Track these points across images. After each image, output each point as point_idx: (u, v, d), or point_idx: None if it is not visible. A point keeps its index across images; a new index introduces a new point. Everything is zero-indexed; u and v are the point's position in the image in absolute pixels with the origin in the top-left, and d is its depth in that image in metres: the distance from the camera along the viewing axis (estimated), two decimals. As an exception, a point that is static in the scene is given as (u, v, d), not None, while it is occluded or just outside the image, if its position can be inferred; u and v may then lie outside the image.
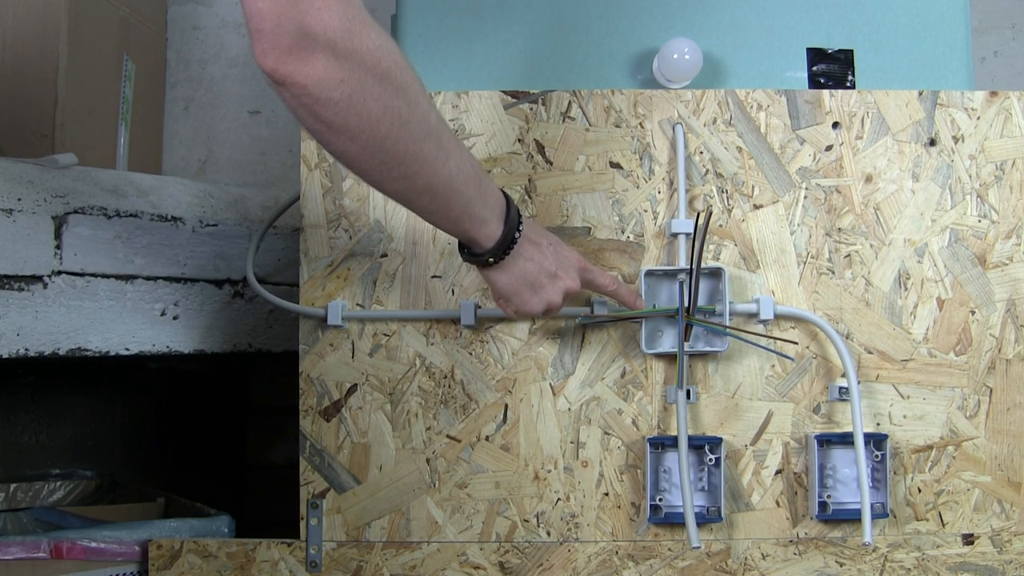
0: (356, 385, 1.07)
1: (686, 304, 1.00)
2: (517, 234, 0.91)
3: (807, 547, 1.04)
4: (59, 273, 1.11)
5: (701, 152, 1.07)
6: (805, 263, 1.06)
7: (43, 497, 1.36)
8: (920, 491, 1.05)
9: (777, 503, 1.05)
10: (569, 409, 1.06)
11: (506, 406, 1.06)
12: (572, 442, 1.05)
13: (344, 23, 0.71)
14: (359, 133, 0.76)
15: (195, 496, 1.28)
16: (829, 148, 1.07)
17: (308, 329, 1.07)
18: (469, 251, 0.92)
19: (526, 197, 1.07)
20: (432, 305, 1.07)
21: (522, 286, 0.94)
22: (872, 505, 1.01)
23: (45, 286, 1.09)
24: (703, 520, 1.03)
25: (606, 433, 1.05)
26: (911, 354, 1.05)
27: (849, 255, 1.06)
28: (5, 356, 1.05)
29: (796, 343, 1.05)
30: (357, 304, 1.07)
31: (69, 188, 1.13)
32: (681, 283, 1.02)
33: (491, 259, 0.91)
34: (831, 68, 1.12)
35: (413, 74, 0.79)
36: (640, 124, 1.07)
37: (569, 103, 1.07)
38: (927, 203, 1.06)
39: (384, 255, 1.08)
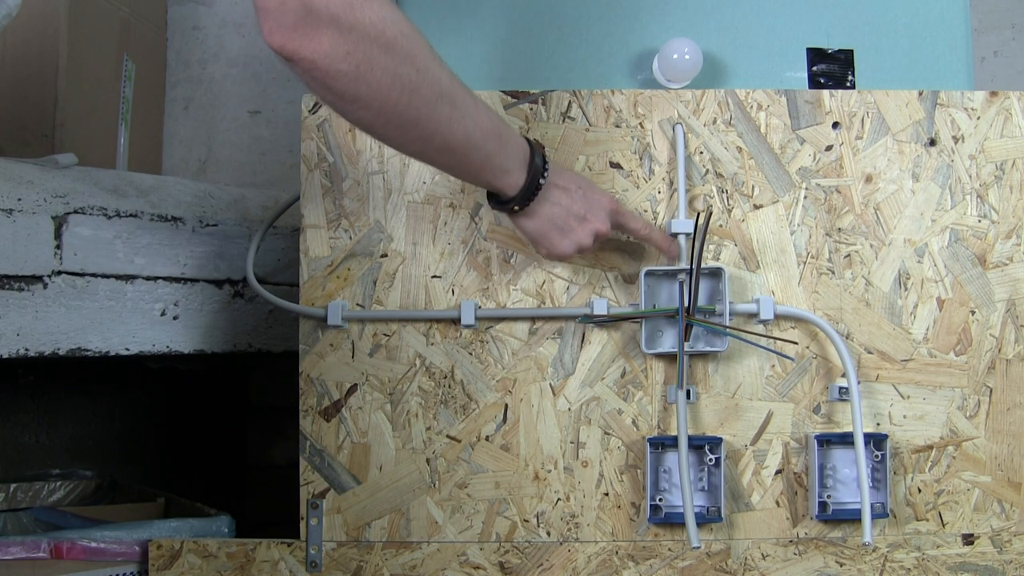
0: (356, 385, 1.07)
1: (686, 304, 1.00)
2: (542, 180, 0.93)
3: (807, 547, 1.04)
4: (59, 273, 1.10)
5: (701, 152, 1.07)
6: (805, 263, 1.06)
7: (43, 497, 1.36)
8: (920, 491, 1.05)
9: (777, 503, 1.05)
10: (569, 409, 1.06)
11: (506, 406, 1.06)
12: (572, 442, 1.05)
13: None
14: (371, 101, 0.78)
15: (195, 496, 1.28)
16: (829, 148, 1.07)
17: (308, 329, 1.07)
18: (496, 199, 0.96)
19: (526, 197, 1.07)
20: (432, 305, 1.07)
21: (550, 230, 0.97)
22: (872, 505, 1.01)
23: (45, 286, 1.09)
24: (703, 520, 1.03)
25: (606, 433, 1.05)
26: (911, 354, 1.05)
27: (849, 255, 1.06)
28: (5, 356, 1.05)
29: (796, 343, 1.05)
30: (357, 304, 1.07)
31: (69, 188, 1.13)
32: (681, 283, 1.02)
33: (516, 207, 0.94)
34: (831, 68, 1.12)
35: (421, 40, 0.80)
36: (640, 124, 1.07)
37: (569, 103, 1.07)
38: (927, 203, 1.06)
39: (384, 255, 1.08)
